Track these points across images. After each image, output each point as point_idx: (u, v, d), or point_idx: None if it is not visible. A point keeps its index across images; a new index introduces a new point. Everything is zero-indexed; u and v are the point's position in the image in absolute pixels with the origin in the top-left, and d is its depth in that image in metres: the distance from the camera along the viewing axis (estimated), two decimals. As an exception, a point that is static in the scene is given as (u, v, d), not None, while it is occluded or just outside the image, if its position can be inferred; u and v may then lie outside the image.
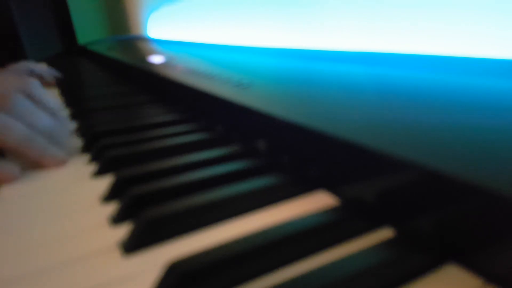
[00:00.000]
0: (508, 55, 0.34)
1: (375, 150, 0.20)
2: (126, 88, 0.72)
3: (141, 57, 0.84)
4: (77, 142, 0.41)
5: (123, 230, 0.23)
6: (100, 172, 0.32)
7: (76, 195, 0.28)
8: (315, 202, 0.24)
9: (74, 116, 0.53)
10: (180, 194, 0.26)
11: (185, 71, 0.55)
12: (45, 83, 0.83)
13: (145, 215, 0.22)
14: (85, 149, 0.39)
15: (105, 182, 0.30)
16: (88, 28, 2.25)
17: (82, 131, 0.44)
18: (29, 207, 0.27)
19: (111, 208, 0.26)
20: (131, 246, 0.21)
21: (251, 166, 0.28)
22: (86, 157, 0.36)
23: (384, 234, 0.20)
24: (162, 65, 0.66)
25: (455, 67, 0.33)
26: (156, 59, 0.76)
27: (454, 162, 0.17)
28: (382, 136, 0.21)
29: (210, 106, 0.41)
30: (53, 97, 0.41)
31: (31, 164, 0.34)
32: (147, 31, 1.63)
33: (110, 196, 0.27)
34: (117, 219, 0.24)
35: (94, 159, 0.35)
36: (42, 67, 0.86)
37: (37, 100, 0.38)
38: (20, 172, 0.33)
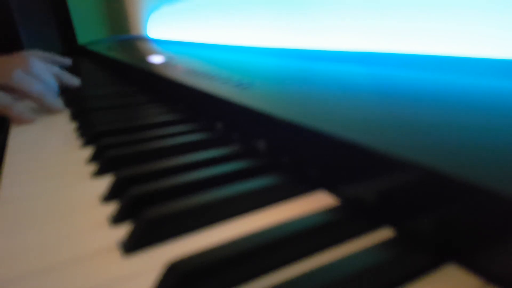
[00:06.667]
0: (508, 55, 0.34)
1: (375, 150, 0.20)
2: (126, 88, 0.72)
3: (141, 57, 0.84)
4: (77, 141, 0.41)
5: (123, 230, 0.23)
6: (100, 172, 0.32)
7: (76, 195, 0.28)
8: (315, 202, 0.24)
9: (74, 115, 0.53)
10: (180, 194, 0.26)
11: (185, 71, 0.55)
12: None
13: (145, 215, 0.22)
14: (85, 148, 0.39)
15: (105, 182, 0.30)
16: (88, 28, 2.25)
17: (82, 131, 0.44)
18: (29, 207, 0.27)
19: (111, 208, 0.26)
20: (131, 246, 0.21)
21: (251, 166, 0.28)
22: (86, 157, 0.36)
23: (384, 234, 0.20)
24: (162, 65, 0.66)
25: (455, 67, 0.33)
26: (156, 59, 0.76)
27: (454, 162, 0.17)
28: (382, 136, 0.21)
29: (210, 106, 0.41)
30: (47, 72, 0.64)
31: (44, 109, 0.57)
32: (147, 31, 1.63)
33: (110, 196, 0.27)
34: (117, 219, 0.24)
35: (94, 158, 0.35)
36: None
37: (34, 73, 0.59)
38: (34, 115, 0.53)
